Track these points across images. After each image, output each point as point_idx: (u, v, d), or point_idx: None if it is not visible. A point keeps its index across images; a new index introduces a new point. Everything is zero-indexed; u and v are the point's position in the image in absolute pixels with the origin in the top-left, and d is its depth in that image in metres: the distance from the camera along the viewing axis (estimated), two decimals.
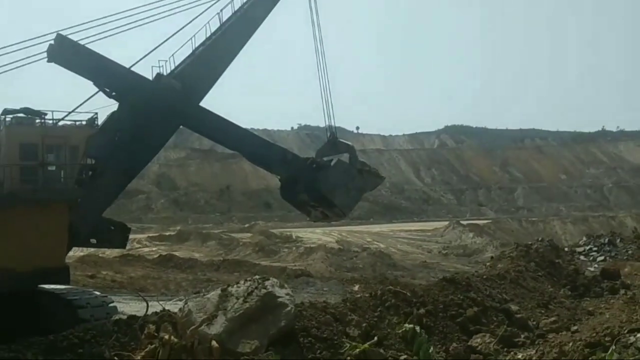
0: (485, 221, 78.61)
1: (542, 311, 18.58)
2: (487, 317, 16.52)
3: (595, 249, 35.94)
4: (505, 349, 14.20)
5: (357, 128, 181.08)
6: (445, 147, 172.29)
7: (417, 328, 10.00)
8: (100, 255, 39.29)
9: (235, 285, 13.36)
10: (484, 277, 20.28)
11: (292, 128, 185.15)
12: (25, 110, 18.71)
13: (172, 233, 66.51)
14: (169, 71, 21.48)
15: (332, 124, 25.05)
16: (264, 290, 12.95)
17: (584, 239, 39.92)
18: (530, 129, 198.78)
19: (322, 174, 23.31)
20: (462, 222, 72.14)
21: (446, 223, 72.40)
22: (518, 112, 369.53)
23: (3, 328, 14.85)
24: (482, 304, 16.97)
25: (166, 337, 9.97)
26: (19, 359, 11.04)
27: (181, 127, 23.88)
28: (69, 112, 19.77)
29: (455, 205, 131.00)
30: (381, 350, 13.07)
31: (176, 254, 47.60)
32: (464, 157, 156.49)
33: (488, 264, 25.75)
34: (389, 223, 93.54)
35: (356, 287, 28.32)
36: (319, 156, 25.12)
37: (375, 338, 13.57)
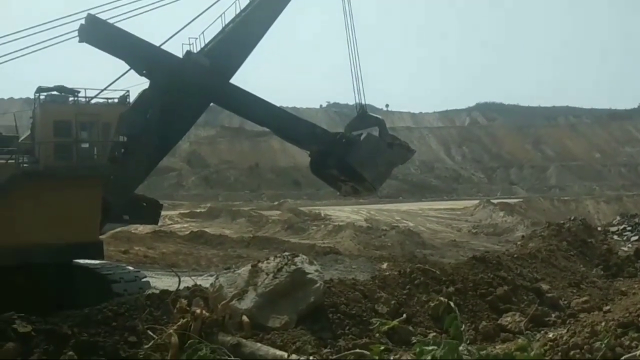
0: (517, 200, 77.55)
1: (574, 291, 18.37)
2: (517, 296, 16.41)
3: (629, 228, 35.20)
4: (536, 328, 14.11)
5: (387, 106, 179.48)
6: (477, 124, 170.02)
7: (450, 302, 9.90)
8: (132, 231, 39.95)
9: (265, 262, 13.48)
10: (515, 256, 20.11)
11: (320, 106, 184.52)
12: (59, 89, 18.99)
13: (203, 210, 67.22)
14: (199, 49, 21.56)
15: (362, 100, 24.89)
16: (293, 267, 13.04)
17: (618, 218, 39.19)
18: (564, 106, 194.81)
19: (351, 148, 23.20)
20: (492, 201, 71.30)
21: (476, 202, 71.68)
22: (551, 89, 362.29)
23: (40, 301, 15.27)
24: (512, 282, 16.86)
25: (198, 311, 10.11)
26: (55, 331, 11.32)
27: (211, 105, 24.00)
28: (101, 90, 20.03)
29: (486, 184, 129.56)
30: (410, 327, 13.10)
31: (207, 230, 48.14)
32: (495, 135, 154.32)
33: (519, 242, 25.52)
34: (418, 202, 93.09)
35: (385, 265, 28.29)
36: (348, 130, 25.02)
37: (404, 315, 13.61)
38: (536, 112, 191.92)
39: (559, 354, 11.15)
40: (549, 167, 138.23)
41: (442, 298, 13.91)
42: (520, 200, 77.58)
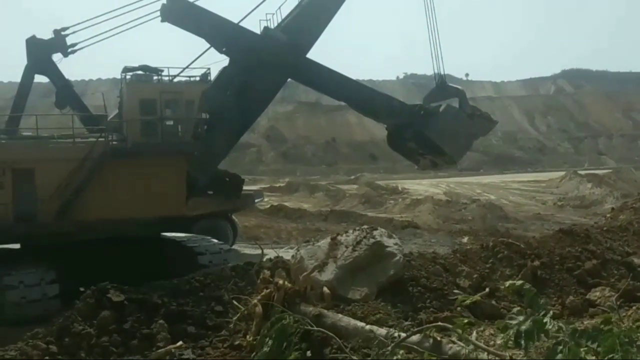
0: (605, 171, 73.94)
1: None
2: (607, 270, 15.72)
3: None
4: (627, 304, 13.49)
5: (467, 75, 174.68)
6: (563, 92, 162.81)
7: (519, 282, 9.65)
8: None
9: (344, 235, 13.54)
10: (604, 228, 19.22)
11: (397, 78, 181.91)
12: (144, 68, 19.68)
13: (282, 184, 68.29)
14: (275, 24, 21.71)
15: (441, 68, 24.27)
16: (372, 240, 13.03)
17: None
18: None
19: (430, 120, 22.73)
20: (579, 172, 68.29)
21: (562, 173, 68.87)
22: None
23: (132, 272, 16.07)
24: (601, 256, 16.15)
25: (280, 282, 10.33)
26: (147, 301, 11.88)
27: (288, 80, 24.17)
28: (184, 69, 20.63)
29: (573, 155, 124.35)
30: (493, 302, 12.86)
31: (286, 204, 48.90)
32: (582, 103, 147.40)
33: (608, 215, 24.41)
34: (500, 174, 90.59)
35: (465, 239, 27.83)
36: (427, 102, 24.48)
37: (487, 289, 13.35)
38: (627, 78, 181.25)
39: None
40: None
41: (510, 282, 13.53)
42: (609, 171, 73.90)
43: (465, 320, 7.82)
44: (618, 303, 12.53)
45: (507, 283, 13.61)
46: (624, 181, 63.22)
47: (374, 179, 78.17)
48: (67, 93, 21.91)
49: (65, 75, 21.83)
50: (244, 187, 23.91)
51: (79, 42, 20.83)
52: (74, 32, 20.78)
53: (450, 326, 8.15)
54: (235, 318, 10.56)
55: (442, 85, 24.24)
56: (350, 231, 13.80)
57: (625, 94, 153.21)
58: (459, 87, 25.31)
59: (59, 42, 20.77)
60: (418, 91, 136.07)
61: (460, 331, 7.60)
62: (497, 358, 7.41)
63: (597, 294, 14.02)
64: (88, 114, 21.92)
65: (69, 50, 20.93)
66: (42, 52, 20.74)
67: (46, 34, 21.01)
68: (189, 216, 25.79)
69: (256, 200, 31.48)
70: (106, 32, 20.41)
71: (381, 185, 63.79)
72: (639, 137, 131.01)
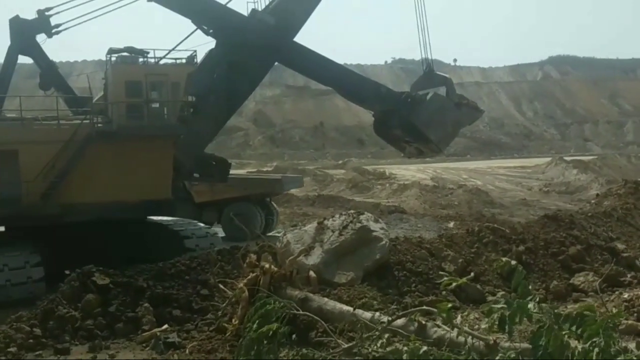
0: (591, 157, 74.44)
1: None
2: (590, 255, 15.91)
3: None
4: (610, 289, 13.67)
5: (455, 60, 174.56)
6: (549, 79, 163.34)
7: (514, 262, 9.72)
8: None
9: (331, 219, 13.58)
10: (589, 214, 19.42)
11: (385, 62, 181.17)
12: (129, 50, 19.37)
13: (270, 169, 68.10)
14: (263, 7, 21.50)
15: (429, 56, 24.22)
16: (359, 224, 13.08)
17: None
18: None
19: (417, 107, 22.71)
20: (565, 158, 68.68)
21: (548, 159, 69.28)
22: (630, 40, 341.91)
23: (117, 255, 15.99)
24: (586, 242, 16.34)
25: (267, 266, 10.34)
26: (132, 284, 11.86)
27: (276, 64, 23.99)
28: (170, 51, 20.34)
29: (559, 141, 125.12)
30: (478, 286, 12.97)
31: None
32: (569, 89, 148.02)
33: (593, 201, 24.64)
34: (487, 160, 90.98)
35: (451, 224, 27.94)
36: (414, 90, 24.46)
37: (472, 273, 13.46)
38: (613, 64, 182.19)
39: (635, 314, 10.82)
40: (627, 123, 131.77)
41: (505, 259, 13.64)
42: (595, 157, 74.42)
43: (449, 304, 7.86)
44: (601, 288, 12.69)
45: (503, 259, 13.76)
46: (609, 167, 63.72)
47: (361, 164, 78.22)
48: (51, 74, 21.57)
49: (49, 57, 21.50)
50: (292, 174, 24.18)
51: (64, 23, 20.50)
52: (58, 13, 20.43)
53: (434, 310, 8.20)
54: (224, 305, 10.57)
55: (429, 74, 24.24)
56: (337, 216, 13.85)
57: (612, 81, 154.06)
58: (447, 75, 25.29)
59: (43, 23, 20.40)
60: (406, 76, 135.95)
61: (444, 315, 7.63)
62: (481, 342, 7.46)
63: (581, 278, 14.20)
64: (73, 96, 21.62)
65: (53, 30, 20.56)
66: (25, 33, 20.36)
67: (30, 14, 20.68)
68: (218, 200, 26.05)
69: (293, 186, 31.75)
70: (91, 12, 20.08)
71: (368, 170, 63.83)
72: (625, 123, 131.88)
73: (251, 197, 26.81)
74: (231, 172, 29.51)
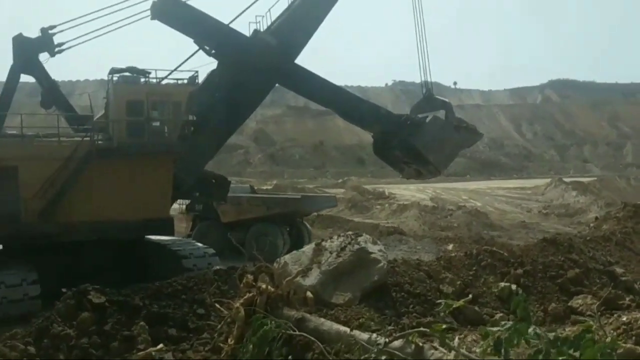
0: (590, 179, 74.53)
1: None
2: (589, 279, 15.85)
3: None
4: (609, 312, 13.60)
5: (455, 83, 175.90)
6: (550, 101, 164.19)
7: (514, 287, 9.80)
8: None
9: (329, 240, 13.55)
10: (588, 238, 19.39)
11: (386, 84, 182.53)
12: (131, 70, 19.56)
13: (269, 187, 68.16)
14: (265, 27, 21.69)
15: (428, 79, 24.44)
16: (357, 246, 13.05)
17: None
18: None
19: (417, 130, 22.87)
20: (564, 179, 68.77)
21: (547, 180, 69.36)
22: (629, 65, 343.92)
23: (114, 274, 15.97)
24: (584, 265, 16.28)
25: (263, 286, 10.29)
26: (128, 303, 11.80)
27: (277, 85, 24.16)
28: (172, 71, 20.55)
29: (558, 162, 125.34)
30: (476, 308, 12.90)
31: None
32: (569, 112, 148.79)
33: (592, 224, 24.61)
34: (486, 180, 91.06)
35: (450, 246, 27.92)
36: (413, 113, 24.65)
37: (470, 295, 13.40)
38: (613, 88, 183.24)
39: (633, 337, 10.74)
40: (626, 145, 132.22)
41: (504, 283, 13.61)
42: (594, 179, 74.56)
43: (444, 326, 7.83)
44: (599, 311, 12.63)
45: (501, 285, 13.73)
46: (609, 189, 63.83)
47: (361, 183, 78.26)
48: (53, 93, 21.72)
49: (52, 76, 21.66)
50: (326, 191, 24.19)
51: (67, 42, 20.69)
52: (61, 31, 20.63)
53: (430, 331, 8.16)
54: (220, 326, 10.50)
55: (429, 97, 24.47)
56: (335, 237, 13.83)
57: (611, 104, 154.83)
58: (446, 99, 25.52)
59: (46, 41, 20.59)
60: (406, 98, 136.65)
61: (438, 336, 7.60)
62: None
63: (579, 301, 14.13)
64: (74, 114, 21.75)
65: (56, 49, 20.75)
66: (28, 51, 20.53)
67: (33, 33, 20.85)
68: (243, 220, 26.05)
69: (326, 206, 31.69)
70: (94, 31, 20.29)
71: (368, 190, 63.91)
72: (624, 145, 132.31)
73: (274, 217, 26.60)
74: (259, 192, 29.72)
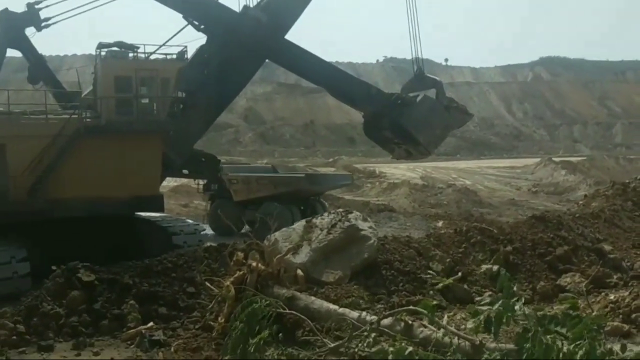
0: (579, 158, 74.86)
1: (638, 252, 17.73)
2: (578, 256, 15.98)
3: None
4: (597, 290, 13.73)
5: (446, 60, 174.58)
6: (540, 80, 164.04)
7: (497, 267, 9.85)
8: (192, 185, 40.77)
9: (319, 217, 13.55)
10: (577, 215, 19.52)
11: (377, 61, 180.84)
12: (119, 44, 19.23)
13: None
14: (255, 3, 21.42)
15: (419, 55, 24.29)
16: (347, 223, 13.06)
17: None
18: (633, 60, 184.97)
19: (407, 110, 22.79)
20: (554, 159, 69.05)
21: (537, 160, 69.64)
22: (620, 42, 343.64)
23: (104, 251, 15.87)
24: (573, 242, 16.41)
25: (254, 264, 10.28)
26: (117, 281, 11.77)
27: (267, 61, 23.94)
28: (160, 46, 20.21)
29: (548, 142, 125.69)
30: (465, 286, 12.99)
31: None
32: (559, 91, 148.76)
33: (581, 202, 24.74)
34: (476, 159, 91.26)
35: (440, 223, 28.00)
36: (404, 92, 24.54)
37: (459, 273, 13.48)
38: (603, 66, 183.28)
39: (620, 316, 10.86)
40: (615, 124, 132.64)
41: (488, 266, 13.69)
42: (584, 158, 74.89)
43: (433, 303, 7.86)
44: (587, 289, 12.76)
45: (484, 267, 13.82)
46: (598, 169, 64.12)
47: (351, 162, 78.16)
48: (40, 68, 21.42)
49: (39, 50, 21.36)
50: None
51: (53, 16, 20.37)
52: (47, 6, 20.29)
53: (422, 310, 8.20)
54: (210, 305, 10.50)
55: (420, 76, 24.34)
56: (326, 214, 13.82)
57: (601, 83, 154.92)
58: (437, 78, 25.40)
59: (32, 16, 20.26)
60: (398, 75, 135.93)
61: (430, 315, 7.64)
62: (467, 342, 7.47)
63: (568, 279, 14.26)
64: (61, 90, 21.47)
65: (43, 24, 20.42)
66: (14, 26, 20.20)
67: (19, 7, 20.51)
68: (254, 199, 26.02)
69: (339, 183, 31.69)
70: (81, 6, 19.97)
71: (358, 169, 63.82)
72: (614, 125, 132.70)
73: (284, 196, 26.59)
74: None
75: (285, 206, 25.21)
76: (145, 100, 19.15)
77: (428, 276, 12.20)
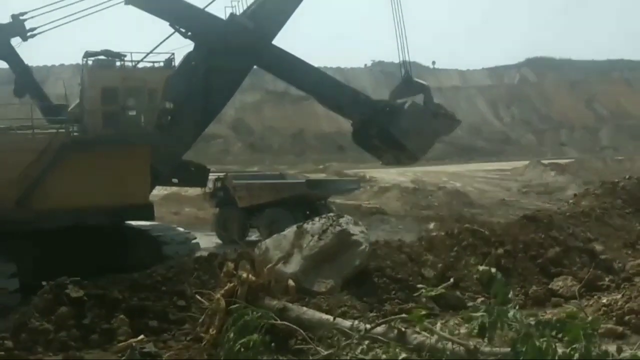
0: (568, 160, 75.39)
1: (629, 252, 17.75)
2: (569, 258, 15.98)
3: None
4: (589, 293, 13.72)
5: (433, 63, 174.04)
6: (527, 82, 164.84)
7: (493, 270, 9.69)
8: (183, 193, 40.57)
9: (310, 223, 13.46)
10: (567, 214, 19.52)
11: (365, 65, 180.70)
12: (106, 53, 19.07)
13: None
14: (241, 11, 21.38)
15: (407, 58, 24.32)
16: (338, 228, 12.99)
17: None
18: (619, 59, 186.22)
19: (395, 117, 22.81)
20: (543, 161, 69.45)
21: (526, 162, 69.96)
22: (605, 41, 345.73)
23: (94, 263, 15.67)
24: (564, 243, 16.40)
25: (244, 275, 10.16)
26: (107, 296, 11.61)
27: (255, 68, 23.87)
28: (147, 54, 20.08)
29: (536, 146, 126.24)
30: (457, 293, 12.94)
31: None
32: (545, 94, 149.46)
33: (571, 201, 24.74)
34: (465, 164, 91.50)
35: (432, 225, 28.03)
36: (392, 98, 24.54)
37: (451, 280, 13.42)
38: (589, 66, 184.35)
39: (614, 319, 10.84)
40: (602, 128, 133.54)
41: (483, 267, 13.65)
42: (572, 160, 75.39)
43: (423, 312, 7.82)
44: (580, 292, 12.74)
45: (480, 268, 13.74)
46: (586, 170, 64.50)
47: (342, 167, 78.16)
48: (26, 79, 21.26)
49: (26, 61, 21.25)
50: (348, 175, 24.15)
51: (39, 27, 20.24)
52: (32, 17, 20.18)
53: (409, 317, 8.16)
54: (201, 319, 10.37)
55: (407, 80, 24.35)
56: (317, 219, 13.74)
57: (587, 83, 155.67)
58: (425, 83, 25.43)
59: (18, 27, 20.13)
60: (386, 79, 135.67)
61: (422, 324, 7.58)
62: (461, 347, 7.41)
63: (560, 283, 14.24)
64: (48, 104, 21.32)
65: (29, 34, 20.29)
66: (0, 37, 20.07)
67: (3, 19, 20.38)
68: (258, 205, 25.99)
69: (346, 190, 31.67)
70: (67, 16, 19.82)
71: (349, 174, 63.79)
72: (600, 129, 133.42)
73: (288, 202, 26.58)
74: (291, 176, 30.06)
75: (289, 211, 25.30)
76: (133, 112, 19.01)
77: (420, 285, 12.16)
